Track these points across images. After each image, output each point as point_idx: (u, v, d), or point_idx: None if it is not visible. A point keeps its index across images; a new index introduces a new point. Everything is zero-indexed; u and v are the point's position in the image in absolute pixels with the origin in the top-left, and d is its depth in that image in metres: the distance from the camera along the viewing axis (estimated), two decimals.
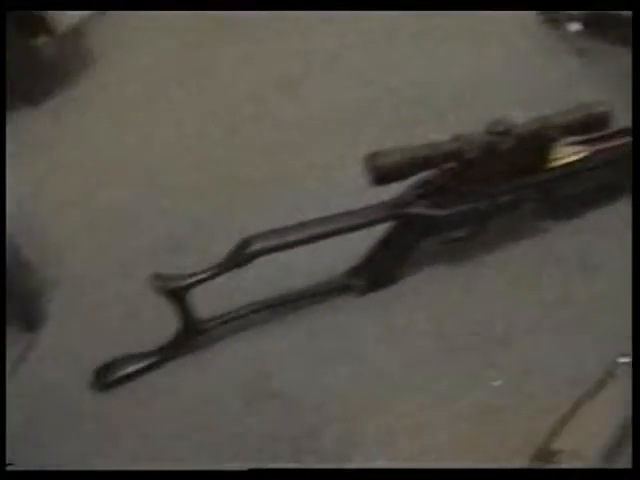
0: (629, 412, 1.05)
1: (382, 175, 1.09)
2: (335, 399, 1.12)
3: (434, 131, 1.25)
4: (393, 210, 1.15)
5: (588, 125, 1.18)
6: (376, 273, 1.23)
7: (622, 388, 1.08)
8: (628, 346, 1.10)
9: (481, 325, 1.18)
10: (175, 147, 1.57)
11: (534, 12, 1.63)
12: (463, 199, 1.17)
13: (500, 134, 1.13)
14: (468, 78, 1.56)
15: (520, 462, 1.02)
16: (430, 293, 1.23)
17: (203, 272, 1.11)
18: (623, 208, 1.28)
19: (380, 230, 1.20)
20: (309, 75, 1.66)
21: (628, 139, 1.24)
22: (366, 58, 1.66)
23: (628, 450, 1.01)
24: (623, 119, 1.24)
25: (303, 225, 1.15)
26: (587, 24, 1.55)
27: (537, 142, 1.16)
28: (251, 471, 0.92)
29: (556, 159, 1.20)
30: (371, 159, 1.09)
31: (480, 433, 1.07)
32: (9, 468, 0.84)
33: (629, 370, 1.09)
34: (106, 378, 1.18)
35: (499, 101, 1.45)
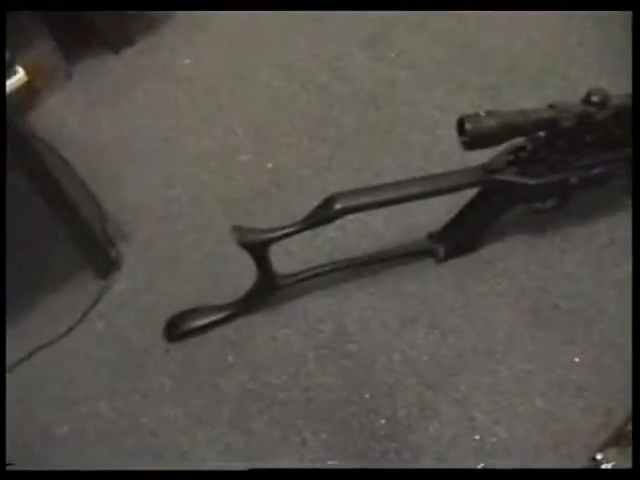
0: None
1: (475, 140, 1.06)
2: (410, 364, 1.11)
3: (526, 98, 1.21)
4: (482, 175, 1.12)
5: None
6: (458, 239, 1.20)
7: None
8: None
9: (562, 299, 1.16)
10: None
11: None
12: (553, 169, 1.13)
13: (596, 104, 1.09)
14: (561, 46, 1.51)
15: (597, 441, 1.01)
16: (511, 263, 1.20)
17: (285, 227, 1.09)
18: None
19: (465, 196, 1.17)
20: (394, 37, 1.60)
21: None
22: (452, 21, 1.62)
23: None
24: None
25: (389, 186, 1.12)
26: None
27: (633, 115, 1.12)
28: (251, 471, 0.92)
29: None
30: (464, 123, 1.06)
31: (558, 409, 1.06)
32: (9, 468, 0.84)
33: None
34: (177, 329, 1.18)
35: (591, 71, 1.41)
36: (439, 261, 1.21)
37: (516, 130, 1.08)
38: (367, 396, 1.08)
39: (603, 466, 0.98)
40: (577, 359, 1.10)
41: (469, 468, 1.01)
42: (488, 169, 1.12)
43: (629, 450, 0.97)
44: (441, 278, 1.20)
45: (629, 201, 1.23)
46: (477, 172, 1.12)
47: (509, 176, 1.12)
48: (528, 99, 1.22)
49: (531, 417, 1.05)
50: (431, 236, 1.22)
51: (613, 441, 1.01)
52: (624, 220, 1.22)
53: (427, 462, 1.03)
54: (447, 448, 1.04)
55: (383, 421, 1.06)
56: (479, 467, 1.01)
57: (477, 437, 1.04)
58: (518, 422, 1.05)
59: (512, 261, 1.20)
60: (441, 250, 1.20)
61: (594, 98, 1.09)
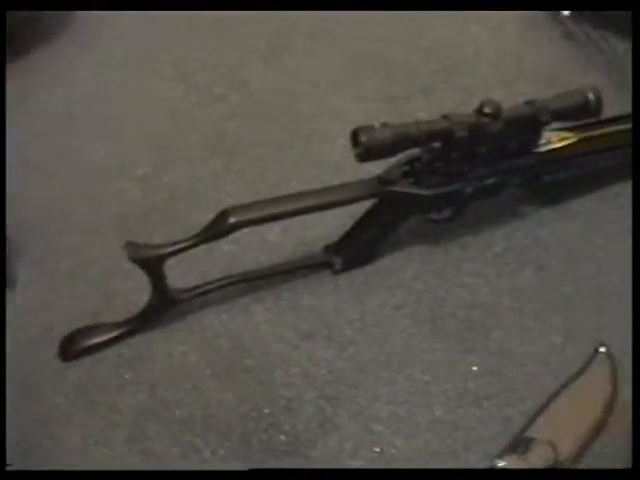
0: (606, 404, 1.06)
1: (368, 152, 1.06)
2: (308, 378, 1.10)
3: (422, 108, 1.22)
4: (377, 187, 1.13)
5: (579, 112, 1.16)
6: (355, 251, 1.20)
7: (601, 378, 1.08)
8: (607, 335, 1.10)
9: (459, 309, 1.17)
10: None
11: None
12: (448, 180, 1.15)
13: (489, 115, 1.10)
14: (457, 56, 1.53)
15: (495, 449, 1.01)
16: (408, 274, 1.21)
17: (180, 242, 1.08)
18: (611, 197, 1.28)
19: (361, 207, 1.17)
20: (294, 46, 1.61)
21: (618, 127, 1.23)
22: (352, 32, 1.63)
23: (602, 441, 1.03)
24: (609, 104, 1.23)
25: (284, 199, 1.12)
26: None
27: (526, 126, 1.14)
28: (251, 471, 0.91)
29: (544, 144, 1.18)
30: (357, 135, 1.06)
31: (457, 418, 1.06)
32: (9, 468, 0.83)
33: (607, 360, 1.09)
34: (72, 348, 1.14)
35: (487, 81, 1.43)
36: (336, 273, 1.20)
37: (410, 141, 1.09)
38: (266, 411, 1.06)
39: None
40: (475, 368, 1.10)
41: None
42: (383, 180, 1.12)
43: (528, 455, 0.99)
44: (338, 290, 1.19)
45: (525, 209, 1.26)
46: (372, 184, 1.12)
47: (404, 187, 1.13)
48: (424, 110, 1.23)
49: (430, 427, 1.05)
50: (328, 248, 1.21)
51: (511, 448, 1.01)
52: (519, 229, 1.25)
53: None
54: (347, 461, 1.03)
55: (283, 437, 1.04)
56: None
57: (377, 449, 1.03)
58: (418, 432, 1.04)
59: (409, 272, 1.21)
60: (338, 262, 1.20)
61: (487, 109, 1.10)
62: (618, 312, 1.14)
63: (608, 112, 1.23)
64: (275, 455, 1.03)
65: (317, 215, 1.13)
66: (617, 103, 1.29)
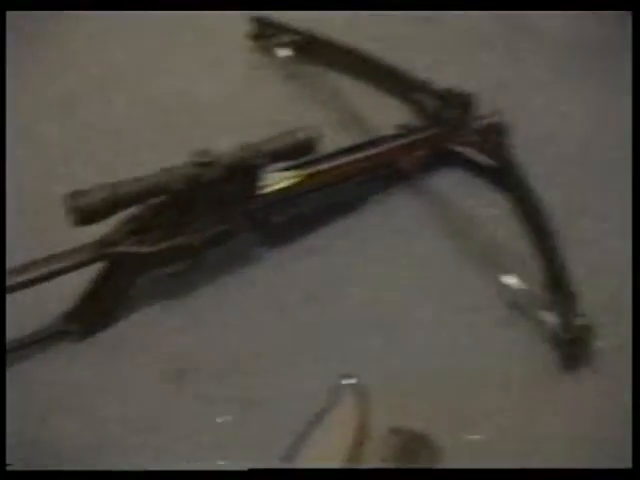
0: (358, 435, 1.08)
1: (85, 216, 1.03)
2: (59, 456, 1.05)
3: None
4: (101, 250, 1.09)
5: (295, 151, 1.18)
6: (92, 316, 1.16)
7: (348, 410, 1.10)
8: (352, 367, 1.13)
9: (204, 361, 1.16)
10: None
11: (244, 38, 1.63)
12: (173, 233, 1.13)
13: (205, 165, 1.10)
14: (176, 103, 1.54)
15: None
16: (150, 333, 1.18)
17: None
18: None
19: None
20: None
21: (340, 161, 1.27)
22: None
23: None
24: (333, 139, 1.28)
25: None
26: (297, 49, 1.57)
27: (244, 170, 1.14)
28: (251, 471, 0.90)
29: (266, 186, 1.19)
30: (71, 200, 1.03)
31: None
32: (9, 468, 0.80)
33: (353, 392, 1.11)
34: None
35: (209, 127, 1.44)
36: (76, 341, 1.16)
37: (128, 199, 1.07)
38: None
39: None
40: (219, 420, 1.09)
41: None
42: (106, 242, 1.09)
43: None
44: (79, 360, 1.14)
45: (261, 251, 1.27)
46: (94, 247, 1.09)
47: (127, 247, 1.10)
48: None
49: None
50: (65, 315, 1.16)
51: None
52: (258, 271, 1.26)
53: None
54: None
55: None
56: None
57: None
58: None
59: (151, 330, 1.18)
60: (76, 330, 1.15)
61: (203, 158, 1.10)
62: (361, 342, 1.18)
63: (330, 147, 1.27)
64: None
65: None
66: (339, 139, 1.35)
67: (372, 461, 1.05)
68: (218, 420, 1.09)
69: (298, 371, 1.15)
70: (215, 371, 1.14)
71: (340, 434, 1.07)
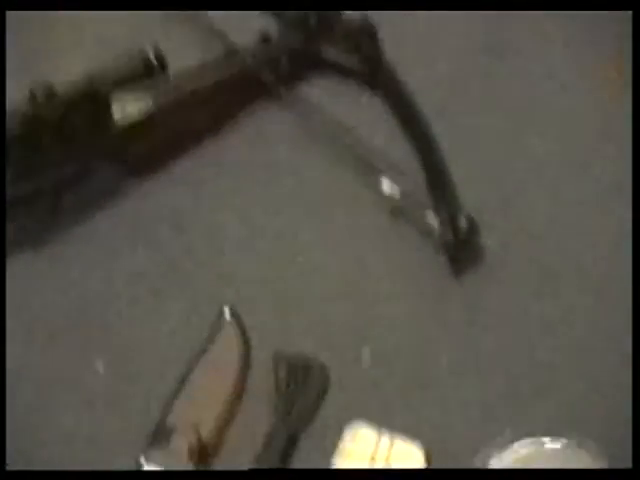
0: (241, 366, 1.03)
1: None
2: None
3: None
4: None
5: (145, 72, 1.10)
6: None
7: (229, 341, 1.05)
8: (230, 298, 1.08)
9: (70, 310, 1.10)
10: None
11: None
12: (24, 179, 1.05)
13: (46, 100, 1.01)
14: None
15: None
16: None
17: None
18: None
19: None
20: None
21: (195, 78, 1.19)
22: None
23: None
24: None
25: None
26: None
27: (90, 100, 1.06)
28: (251, 471, 0.87)
29: (118, 114, 1.11)
30: None
31: (94, 429, 1.00)
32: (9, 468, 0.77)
33: (233, 321, 1.06)
34: None
35: None
36: None
37: None
38: None
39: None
40: (100, 369, 1.04)
41: None
42: None
43: (170, 446, 0.94)
44: None
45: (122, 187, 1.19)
46: None
47: None
48: None
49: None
50: None
51: (153, 443, 0.96)
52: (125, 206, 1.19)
53: None
54: None
55: None
56: None
57: None
58: None
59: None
60: None
61: (38, 96, 1.01)
62: (240, 271, 1.13)
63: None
64: None
65: None
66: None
67: (258, 392, 1.01)
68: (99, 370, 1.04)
69: (176, 306, 1.10)
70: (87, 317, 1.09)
71: (224, 368, 1.03)
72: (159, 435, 0.96)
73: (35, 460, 0.95)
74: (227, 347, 1.04)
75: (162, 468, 0.93)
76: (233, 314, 1.06)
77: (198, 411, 0.98)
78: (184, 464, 0.93)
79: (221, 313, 1.06)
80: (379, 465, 0.93)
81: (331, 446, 0.95)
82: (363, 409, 0.99)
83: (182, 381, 1.00)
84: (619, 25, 1.23)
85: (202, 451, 0.95)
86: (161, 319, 1.08)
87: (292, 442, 0.96)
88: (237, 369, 1.02)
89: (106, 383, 1.03)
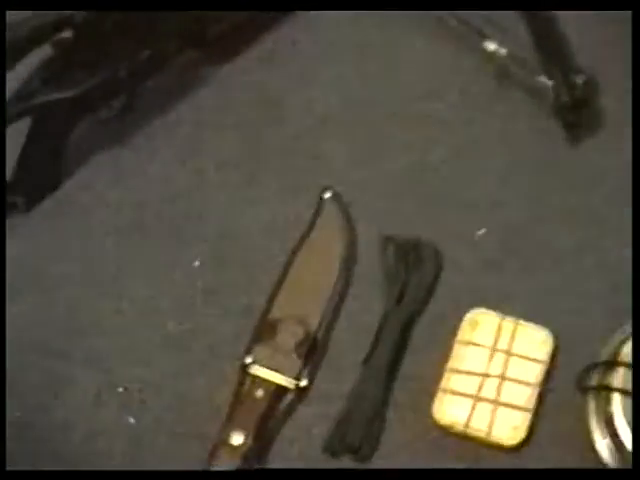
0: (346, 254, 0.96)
1: None
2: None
3: None
4: (20, 105, 0.95)
5: None
6: (36, 180, 1.03)
7: (332, 227, 0.98)
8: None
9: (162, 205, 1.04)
10: None
11: None
12: (92, 69, 0.98)
13: None
14: None
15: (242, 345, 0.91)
16: (97, 188, 1.06)
17: None
18: None
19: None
20: None
21: None
22: None
23: None
24: None
25: None
26: None
27: None
28: (250, 471, 0.83)
29: None
30: None
31: (192, 326, 0.95)
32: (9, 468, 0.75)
33: (335, 205, 0.99)
34: None
35: None
36: (25, 211, 1.03)
37: (30, 38, 0.91)
38: None
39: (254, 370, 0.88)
40: (197, 262, 0.98)
41: None
42: (22, 96, 0.94)
43: (277, 339, 0.89)
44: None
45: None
46: (11, 105, 0.94)
47: (47, 95, 0.95)
48: None
49: (166, 345, 0.93)
50: (8, 188, 1.02)
51: (257, 337, 0.91)
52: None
53: (77, 436, 0.88)
54: (93, 412, 0.90)
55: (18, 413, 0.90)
56: (132, 420, 0.90)
57: (121, 389, 0.91)
58: (156, 355, 0.93)
59: (97, 187, 1.05)
60: (20, 201, 1.02)
61: None
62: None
63: None
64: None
65: None
66: None
67: (366, 279, 0.94)
68: (195, 264, 0.98)
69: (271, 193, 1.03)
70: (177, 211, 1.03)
71: (328, 256, 0.96)
72: (263, 330, 0.90)
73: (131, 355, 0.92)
74: (330, 233, 0.97)
75: (268, 365, 0.88)
76: (334, 197, 0.99)
77: (303, 302, 0.92)
78: (292, 359, 0.88)
79: (321, 197, 0.99)
80: (501, 355, 0.86)
81: (449, 335, 0.89)
82: (481, 294, 0.91)
83: (284, 271, 0.94)
84: None
85: (311, 345, 0.89)
86: (257, 207, 1.02)
87: (406, 332, 0.90)
88: (342, 255, 0.95)
89: (203, 277, 0.97)
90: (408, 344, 0.89)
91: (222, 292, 0.96)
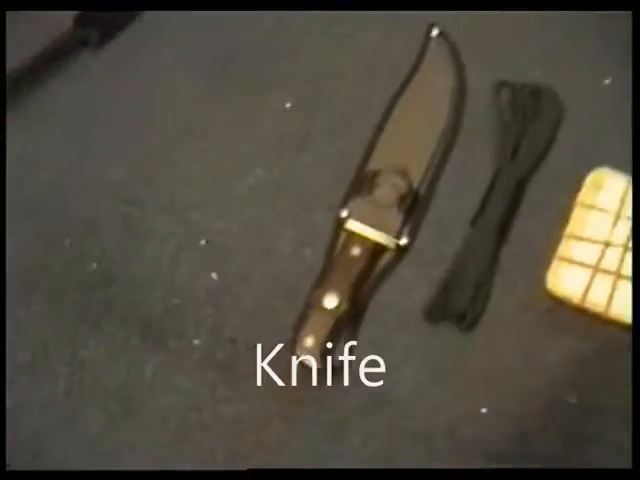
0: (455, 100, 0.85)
1: None
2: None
3: None
4: None
5: None
6: (108, 16, 0.92)
7: (440, 70, 0.87)
8: None
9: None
10: None
11: None
12: None
13: None
14: None
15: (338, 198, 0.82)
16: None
17: None
18: None
19: None
20: None
21: None
22: None
23: None
24: None
25: None
26: None
27: None
28: (251, 471, 0.78)
29: None
30: None
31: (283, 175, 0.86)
32: (9, 468, 0.73)
33: (444, 45, 0.88)
34: None
35: None
36: (97, 48, 0.93)
37: None
38: (67, 243, 0.85)
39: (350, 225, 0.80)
40: (288, 104, 0.88)
41: None
42: None
43: (376, 192, 0.80)
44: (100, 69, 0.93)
45: None
46: None
47: None
48: None
49: (252, 195, 0.85)
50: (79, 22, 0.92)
51: (354, 190, 0.82)
52: None
53: (155, 293, 0.82)
54: (172, 266, 0.83)
55: (95, 265, 0.84)
56: (214, 276, 0.83)
57: (203, 242, 0.84)
58: (241, 206, 0.85)
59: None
60: (94, 36, 0.92)
61: None
62: None
63: None
64: (88, 287, 0.83)
65: None
66: None
67: (477, 128, 0.84)
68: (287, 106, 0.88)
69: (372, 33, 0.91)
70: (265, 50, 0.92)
71: (434, 102, 0.86)
72: (361, 181, 0.82)
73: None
74: (437, 74, 0.86)
75: (366, 220, 0.79)
76: (442, 35, 0.87)
77: (406, 152, 0.83)
78: (392, 214, 0.80)
79: (428, 33, 0.87)
80: (626, 222, 0.76)
81: (568, 197, 0.79)
82: (607, 152, 0.81)
83: (385, 116, 0.84)
84: None
85: (413, 200, 0.81)
86: (355, 43, 0.90)
87: (520, 190, 0.80)
88: (450, 100, 0.85)
89: (295, 121, 0.88)
90: (521, 204, 0.80)
91: (315, 137, 0.87)
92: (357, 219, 0.79)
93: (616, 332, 0.74)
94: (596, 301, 0.74)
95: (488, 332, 0.77)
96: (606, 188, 0.78)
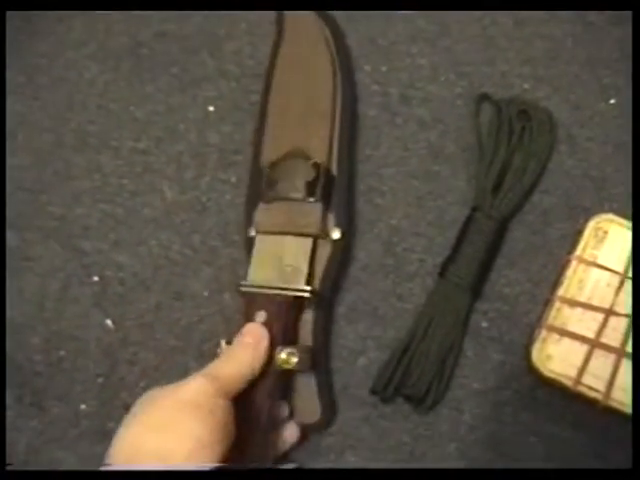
0: None
1: None
2: None
3: None
4: None
5: None
6: None
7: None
8: None
9: None
10: None
11: None
12: None
13: None
14: None
15: None
16: None
17: None
18: None
19: None
20: None
21: None
22: None
23: None
24: None
25: None
26: None
27: None
28: (251, 471, 0.65)
29: None
30: None
31: None
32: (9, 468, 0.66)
33: None
34: None
35: None
36: None
37: None
38: None
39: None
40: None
41: None
42: None
43: (275, 194, 0.62)
44: None
45: None
46: None
47: None
48: None
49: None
50: None
51: (254, 195, 0.65)
52: None
53: (34, 340, 0.67)
54: (57, 308, 0.68)
55: None
56: (109, 323, 0.65)
57: (96, 278, 0.67)
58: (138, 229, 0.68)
59: None
60: None
61: None
62: None
63: None
64: None
65: None
66: None
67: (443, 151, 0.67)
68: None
69: None
70: None
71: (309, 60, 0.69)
72: (258, 182, 0.64)
73: None
74: (302, 40, 0.70)
75: (276, 226, 0.62)
76: None
77: (299, 132, 0.66)
78: (307, 206, 0.62)
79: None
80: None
81: (561, 250, 0.64)
82: (611, 189, 0.65)
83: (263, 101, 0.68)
84: None
85: (326, 181, 0.63)
86: None
87: (500, 235, 0.64)
88: (326, 62, 0.67)
89: None
90: (502, 253, 0.65)
91: None
92: (266, 230, 0.62)
93: (614, 420, 0.60)
94: (593, 384, 0.60)
95: (451, 416, 0.61)
96: (610, 239, 0.62)
